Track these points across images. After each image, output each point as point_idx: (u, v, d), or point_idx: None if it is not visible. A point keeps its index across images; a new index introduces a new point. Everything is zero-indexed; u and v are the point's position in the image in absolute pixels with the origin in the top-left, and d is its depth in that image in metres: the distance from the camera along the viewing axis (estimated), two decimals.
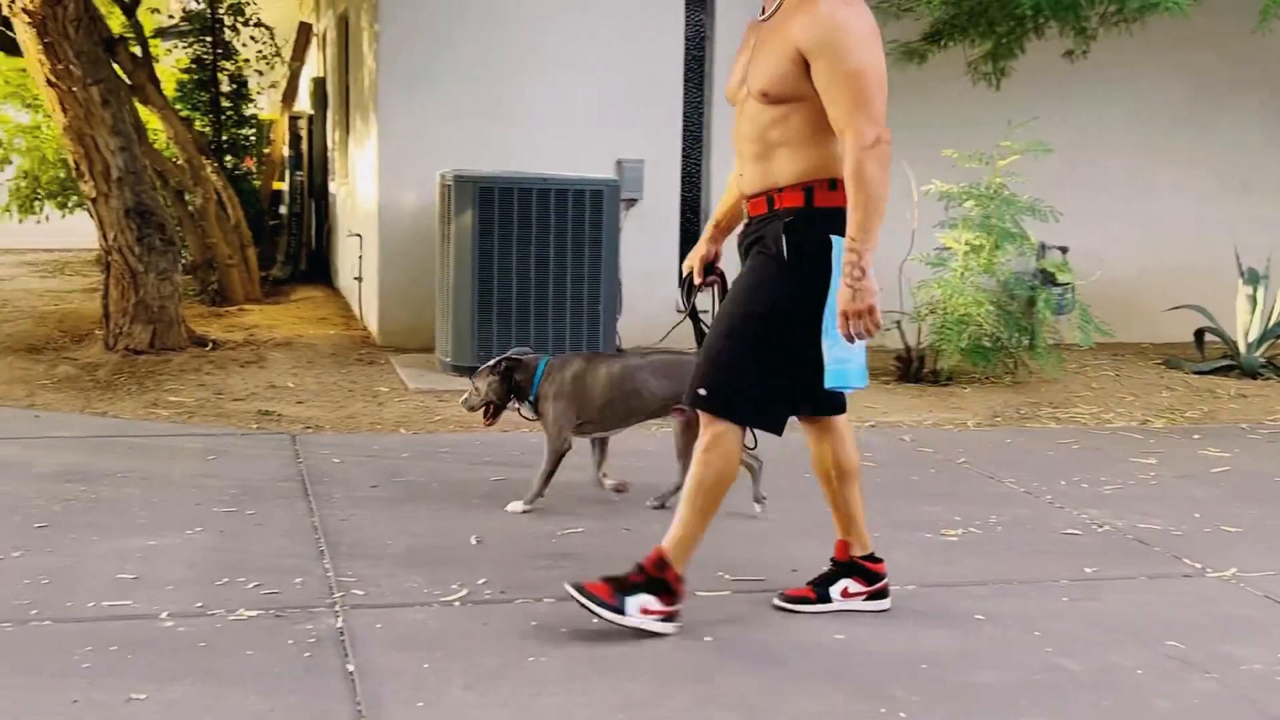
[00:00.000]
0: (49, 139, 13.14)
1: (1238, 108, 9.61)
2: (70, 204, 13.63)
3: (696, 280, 3.95)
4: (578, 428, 4.77)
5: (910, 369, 7.61)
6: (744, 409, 3.56)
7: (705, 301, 4.04)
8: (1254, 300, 8.30)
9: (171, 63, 12.84)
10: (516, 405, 4.86)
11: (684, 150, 8.71)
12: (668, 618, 3.55)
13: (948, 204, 7.44)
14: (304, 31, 12.23)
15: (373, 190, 8.50)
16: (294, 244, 11.94)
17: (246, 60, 11.92)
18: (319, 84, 12.38)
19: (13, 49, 9.96)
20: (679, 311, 4.44)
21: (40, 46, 7.09)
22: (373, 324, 8.69)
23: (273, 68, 12.41)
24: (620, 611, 3.50)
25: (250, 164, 12.28)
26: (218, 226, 9.90)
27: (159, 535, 4.29)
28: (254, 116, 12.34)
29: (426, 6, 8.22)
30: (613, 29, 8.38)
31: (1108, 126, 9.29)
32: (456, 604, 3.76)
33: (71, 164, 7.86)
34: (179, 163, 10.17)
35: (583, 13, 8.35)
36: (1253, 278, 8.33)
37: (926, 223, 7.58)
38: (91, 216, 7.99)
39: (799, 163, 3.46)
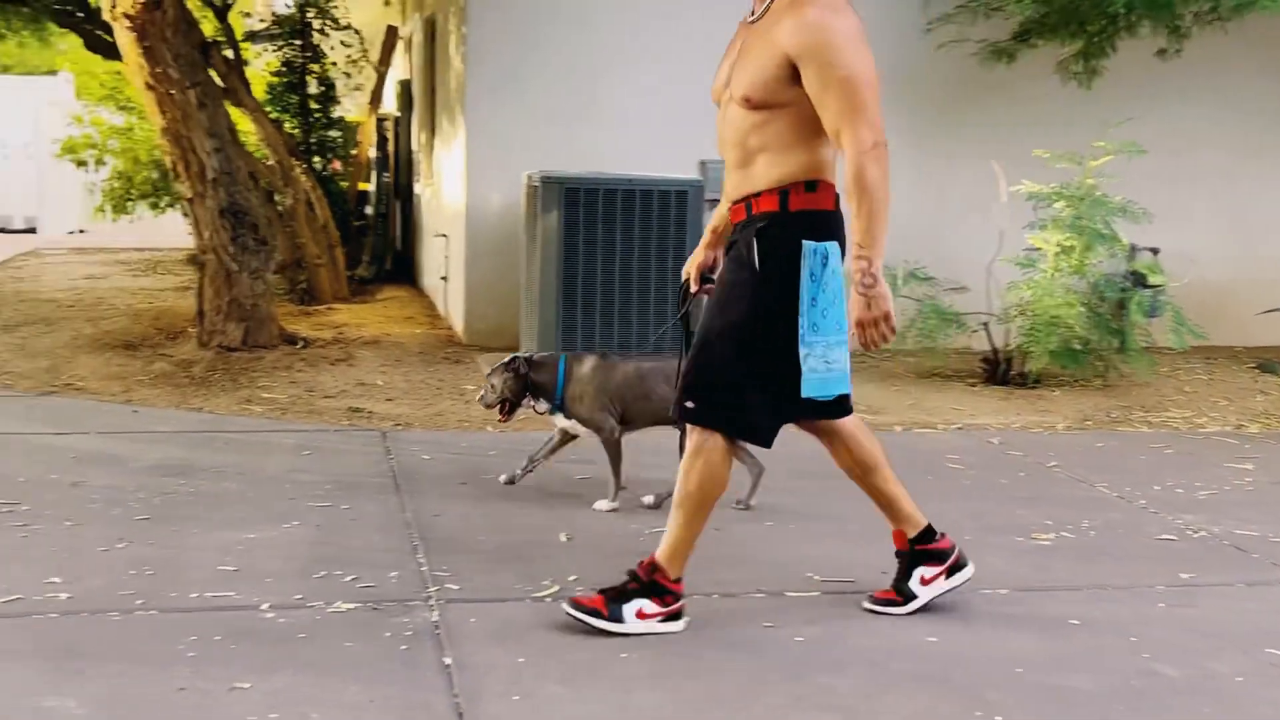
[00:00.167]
0: (142, 141, 13.46)
1: None
2: (162, 204, 13.94)
3: (693, 288, 3.86)
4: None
5: (997, 371, 7.53)
6: (727, 420, 3.51)
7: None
8: None
9: (261, 66, 13.09)
10: (532, 403, 4.91)
11: None
12: (670, 617, 3.54)
13: (1036, 205, 7.36)
14: (391, 34, 12.38)
15: (460, 191, 8.59)
16: (379, 244, 12.10)
17: (334, 63, 12.10)
18: (405, 86, 12.54)
19: (109, 52, 10.23)
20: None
21: (140, 50, 7.26)
22: (458, 323, 8.78)
23: (361, 72, 12.57)
24: (617, 620, 3.50)
25: (337, 166, 12.46)
26: (306, 227, 10.07)
27: (257, 528, 4.39)
28: (341, 118, 12.52)
29: (514, 9, 8.29)
30: (699, 30, 8.35)
31: (1199, 125, 9.11)
32: (549, 600, 3.79)
33: (169, 165, 8.03)
34: (269, 164, 10.36)
35: (670, 14, 8.37)
36: None
37: (1015, 223, 7.50)
38: (187, 216, 8.16)
39: (778, 168, 3.41)
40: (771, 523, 4.65)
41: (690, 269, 3.88)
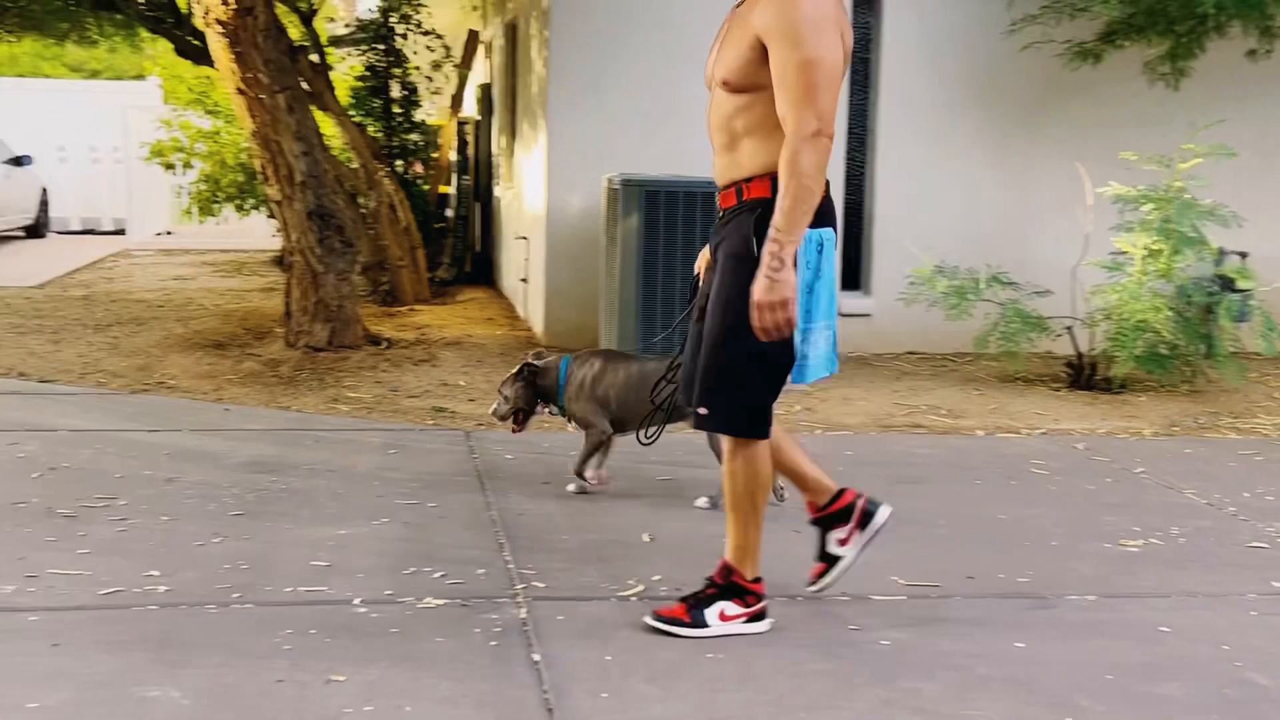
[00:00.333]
0: (228, 144, 13.73)
1: None
2: (247, 206, 14.20)
3: (703, 284, 3.80)
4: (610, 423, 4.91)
5: (1082, 376, 7.45)
6: (745, 421, 3.49)
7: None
8: None
9: (345, 70, 13.28)
10: (544, 408, 4.99)
11: (848, 153, 8.68)
12: (753, 618, 3.56)
13: (1123, 207, 7.26)
14: (472, 39, 12.51)
15: (540, 194, 8.67)
16: (459, 246, 12.23)
17: (417, 68, 12.25)
18: (485, 90, 12.68)
19: (198, 58, 10.46)
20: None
21: (231, 56, 7.42)
22: (538, 324, 8.86)
23: (446, 78, 12.71)
24: (700, 625, 3.52)
25: (418, 169, 12.62)
26: (389, 229, 10.22)
27: (347, 525, 4.47)
28: (422, 122, 12.67)
29: (596, 13, 8.36)
30: None
31: None
32: (633, 599, 3.82)
33: (258, 168, 8.19)
34: (353, 167, 10.52)
35: None
36: None
37: (1101, 226, 7.42)
38: (275, 219, 8.32)
39: (765, 153, 3.36)
40: None
41: (700, 266, 3.86)
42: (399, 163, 11.96)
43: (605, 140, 8.26)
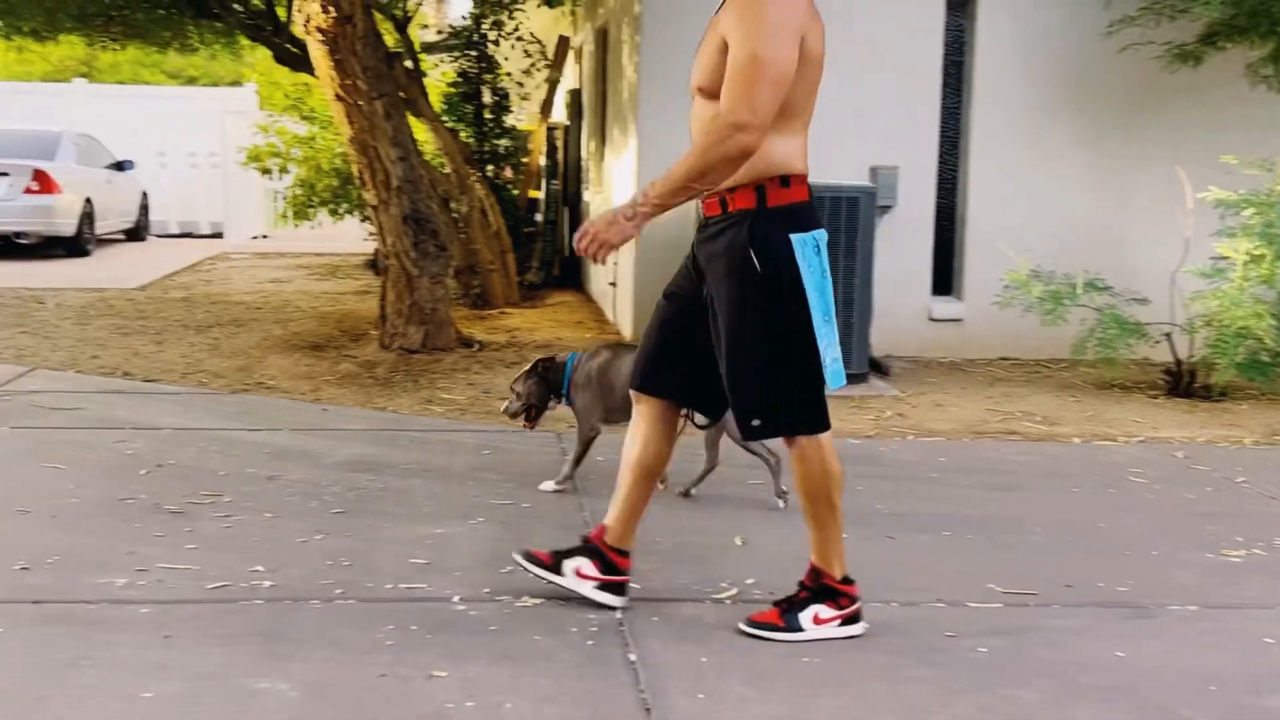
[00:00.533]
0: (324, 149, 13.97)
1: None
2: (341, 210, 14.44)
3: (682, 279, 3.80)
4: (606, 417, 4.95)
5: (1180, 383, 7.32)
6: (807, 417, 3.49)
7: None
8: None
9: (438, 76, 13.46)
10: (554, 404, 5.07)
11: (940, 157, 8.61)
12: (847, 620, 3.55)
13: (1224, 212, 7.12)
14: (562, 44, 12.61)
15: (630, 198, 8.71)
16: (548, 250, 12.34)
17: (508, 74, 12.38)
18: (575, 95, 12.77)
19: (296, 64, 10.68)
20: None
21: (331, 63, 7.57)
22: (627, 328, 8.90)
23: (537, 85, 12.83)
24: (795, 629, 3.52)
25: (508, 173, 12.75)
26: (480, 233, 10.34)
27: (444, 524, 4.54)
28: (513, 127, 12.80)
29: (687, 18, 8.34)
30: (871, 36, 8.36)
31: None
32: (728, 602, 3.84)
33: (355, 173, 8.34)
34: (446, 172, 10.66)
35: (841, 21, 8.29)
36: None
37: (1201, 231, 7.28)
38: (371, 223, 8.46)
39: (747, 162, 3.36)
40: (949, 532, 4.62)
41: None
42: (490, 168, 12.10)
43: None
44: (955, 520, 4.77)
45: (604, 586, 3.72)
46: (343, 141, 9.08)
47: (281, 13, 11.01)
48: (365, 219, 13.10)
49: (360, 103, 7.66)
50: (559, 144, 12.80)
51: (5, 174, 14.65)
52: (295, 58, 10.51)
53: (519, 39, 12.21)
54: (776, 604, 3.62)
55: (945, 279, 8.70)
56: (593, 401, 4.96)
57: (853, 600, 3.58)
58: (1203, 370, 7.23)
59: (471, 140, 11.93)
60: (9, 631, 3.47)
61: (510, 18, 12.08)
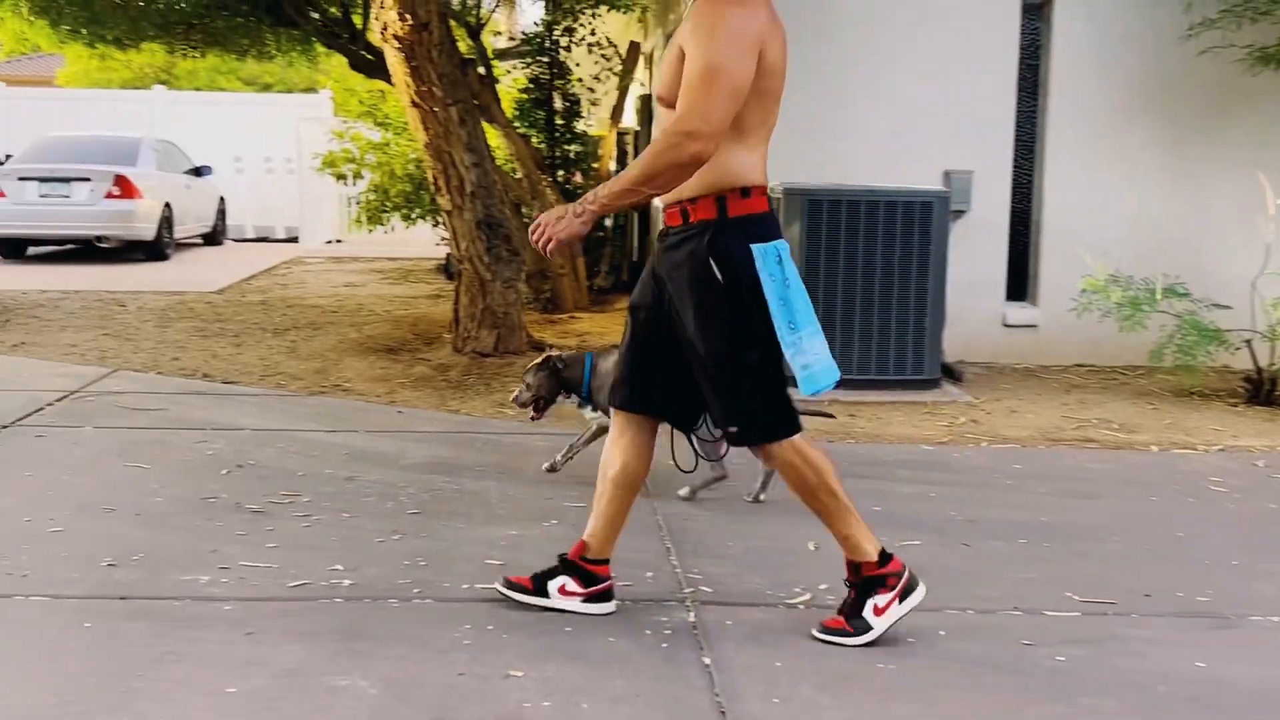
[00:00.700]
0: (397, 155, 14.13)
1: None
2: (413, 215, 14.59)
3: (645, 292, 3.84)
4: None
5: (1261, 391, 7.19)
6: (776, 423, 3.50)
7: None
8: None
9: (509, 82, 13.56)
10: (566, 399, 5.18)
11: (1015, 161, 8.53)
12: (903, 594, 3.52)
13: None
14: (633, 50, 12.66)
15: None
16: (617, 255, 12.39)
17: (579, 79, 12.44)
18: (645, 101, 12.80)
19: (371, 71, 10.81)
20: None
21: (407, 69, 7.66)
22: None
23: (608, 90, 12.88)
24: (864, 630, 3.51)
25: (579, 178, 12.81)
26: None
27: (518, 525, 4.59)
28: (583, 133, 12.86)
29: None
30: (944, 39, 8.31)
31: None
32: (800, 607, 3.84)
33: (430, 179, 8.43)
34: (517, 177, 10.74)
35: (914, 25, 8.31)
36: None
37: None
38: (444, 228, 8.54)
39: (709, 172, 3.34)
40: (1025, 540, 4.58)
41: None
42: (561, 173, 12.17)
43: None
44: (1031, 528, 4.72)
45: (591, 598, 3.74)
46: (416, 147, 9.19)
47: (358, 20, 11.16)
48: (437, 224, 13.25)
49: (435, 109, 7.74)
50: (629, 149, 12.85)
51: (87, 179, 14.99)
52: (370, 64, 10.64)
53: (590, 45, 12.27)
54: (840, 610, 3.61)
55: (1020, 284, 8.62)
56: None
57: (899, 575, 3.55)
58: None
59: (543, 146, 12.01)
60: (97, 626, 3.56)
61: (581, 24, 12.15)
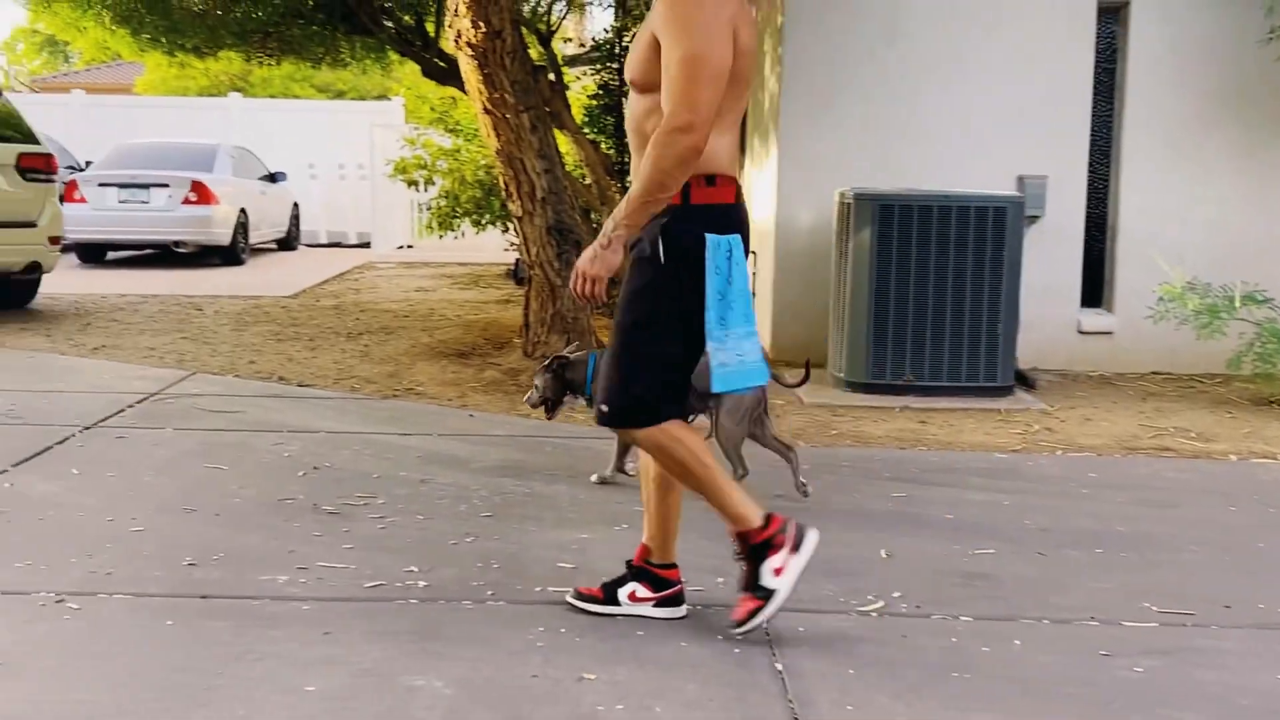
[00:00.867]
0: (468, 161, 14.26)
1: None
2: (483, 221, 14.71)
3: None
4: None
5: None
6: (633, 413, 3.50)
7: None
8: None
9: (579, 89, 13.64)
10: (572, 400, 5.18)
11: (1090, 166, 8.43)
12: (795, 547, 3.52)
13: None
14: None
15: (770, 208, 8.72)
16: None
17: None
18: None
19: (443, 78, 10.93)
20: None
21: (480, 76, 7.74)
22: (765, 340, 8.90)
23: None
24: (770, 595, 3.50)
25: None
26: None
27: (588, 529, 4.62)
28: None
29: (829, 28, 8.37)
30: (1018, 43, 8.24)
31: None
32: (874, 615, 3.83)
33: (501, 185, 8.50)
34: (586, 184, 10.80)
35: (988, 29, 8.25)
36: None
37: None
38: (515, 234, 8.60)
39: None
40: (1101, 549, 4.52)
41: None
42: (629, 179, 12.20)
43: (837, 154, 8.27)
44: (1107, 537, 4.67)
45: (662, 603, 3.75)
46: (487, 154, 9.27)
47: (430, 28, 11.29)
48: (506, 229, 13.34)
49: (508, 115, 7.81)
50: None
51: (165, 185, 15.29)
52: (443, 72, 10.76)
53: None
54: (743, 588, 3.58)
55: (1095, 291, 8.51)
56: None
57: (784, 530, 3.54)
58: None
59: (612, 152, 12.06)
60: (179, 624, 3.63)
61: None
